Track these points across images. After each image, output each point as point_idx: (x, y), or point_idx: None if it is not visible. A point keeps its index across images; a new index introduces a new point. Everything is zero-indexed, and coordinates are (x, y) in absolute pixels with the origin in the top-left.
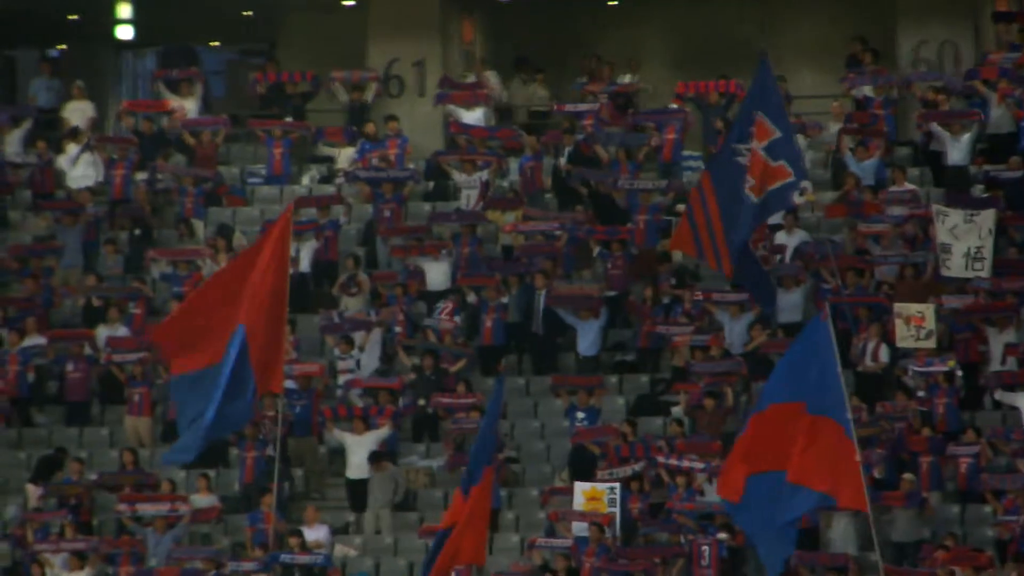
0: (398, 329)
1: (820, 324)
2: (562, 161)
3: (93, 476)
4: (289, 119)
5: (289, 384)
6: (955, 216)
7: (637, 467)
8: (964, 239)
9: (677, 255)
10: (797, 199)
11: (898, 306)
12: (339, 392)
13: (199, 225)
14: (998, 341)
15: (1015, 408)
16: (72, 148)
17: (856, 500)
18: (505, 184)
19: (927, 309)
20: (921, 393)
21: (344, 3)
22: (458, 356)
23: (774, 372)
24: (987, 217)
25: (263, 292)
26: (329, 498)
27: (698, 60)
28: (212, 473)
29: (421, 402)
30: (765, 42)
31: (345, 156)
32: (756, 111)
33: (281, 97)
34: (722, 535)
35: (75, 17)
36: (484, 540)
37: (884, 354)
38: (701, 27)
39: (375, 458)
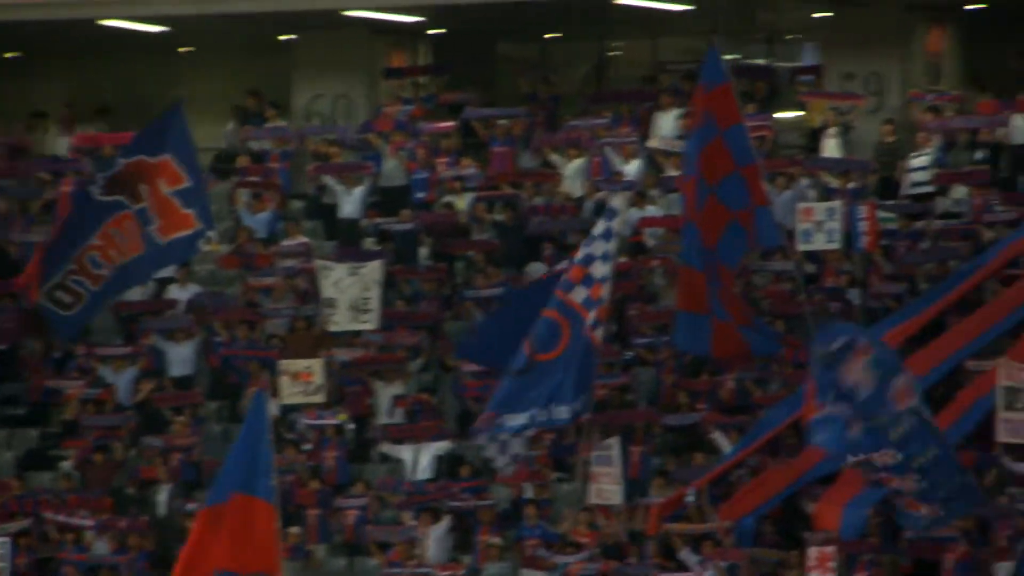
0: None
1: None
2: None
3: None
4: None
5: None
6: (339, 270)
7: (26, 522)
8: (349, 292)
9: None
10: (203, 247)
11: (283, 363)
12: None
13: None
14: (386, 393)
15: (401, 460)
16: None
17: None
18: None
19: (315, 364)
20: (309, 446)
21: None
22: None
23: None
24: (373, 270)
25: None
26: None
27: (101, 114)
28: None
29: None
30: (173, 95)
31: None
32: (165, 152)
33: None
34: None
35: None
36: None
37: (274, 407)
38: (105, 81)
39: None
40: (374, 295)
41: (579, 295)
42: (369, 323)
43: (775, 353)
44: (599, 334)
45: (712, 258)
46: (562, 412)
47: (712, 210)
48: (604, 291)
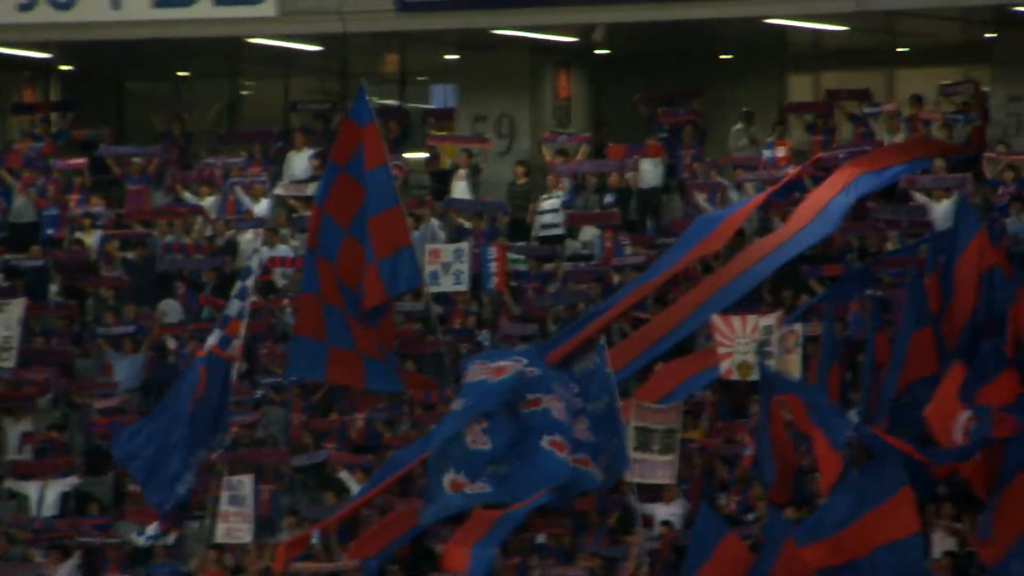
0: None
1: None
2: None
3: None
4: None
5: None
6: None
7: None
8: None
9: None
10: None
11: None
12: None
13: None
14: (16, 430)
15: (27, 497)
16: None
17: None
18: None
19: None
20: None
21: None
22: None
23: None
24: (16, 307)
25: None
26: None
27: None
28: None
29: None
30: None
31: None
32: None
33: None
34: None
35: None
36: None
37: None
38: None
39: None
40: (15, 333)
41: (215, 336)
42: (9, 362)
43: (391, 391)
44: (233, 372)
45: (352, 296)
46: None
47: (350, 250)
48: (241, 328)
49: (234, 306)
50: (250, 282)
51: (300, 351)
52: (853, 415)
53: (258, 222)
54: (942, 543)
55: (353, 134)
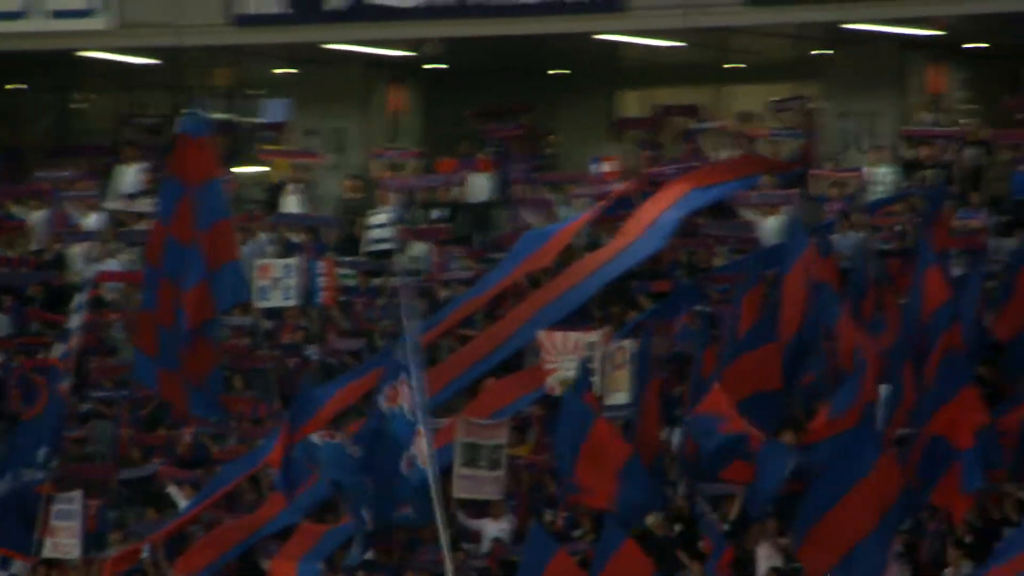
0: None
1: None
2: None
3: None
4: None
5: None
6: None
7: None
8: None
9: None
10: None
11: None
12: None
13: None
14: None
15: None
16: None
17: None
18: None
19: None
20: None
21: None
22: None
23: None
24: None
25: None
26: None
27: None
28: None
29: None
30: None
31: None
32: None
33: None
34: None
35: None
36: None
37: None
38: None
39: None
40: None
41: (58, 350)
42: None
43: (212, 417)
44: (66, 386)
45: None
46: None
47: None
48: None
49: (75, 319)
50: (85, 296)
51: (139, 363)
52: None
53: (87, 236)
54: (768, 559)
55: (189, 148)
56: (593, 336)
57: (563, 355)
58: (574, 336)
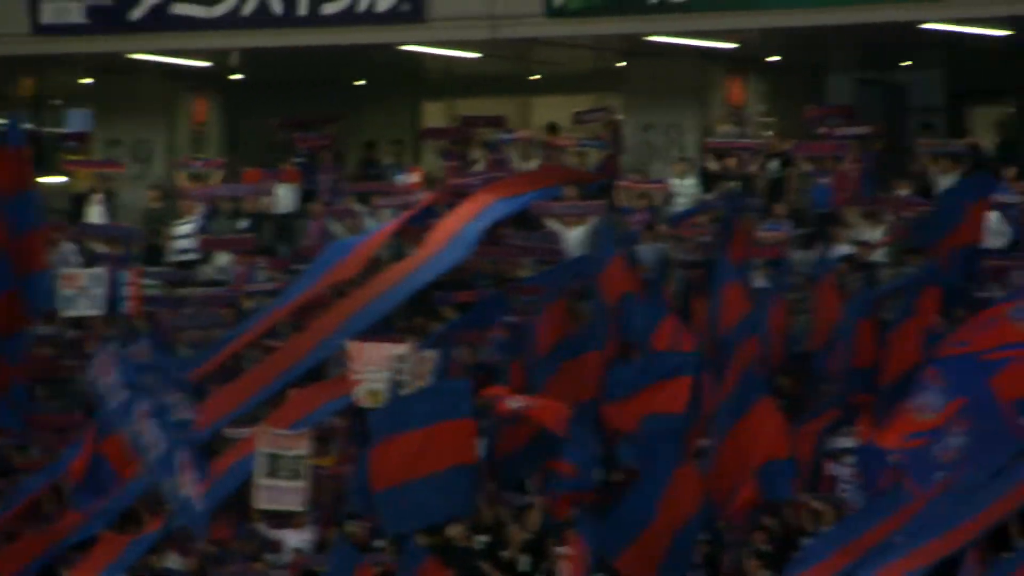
0: None
1: None
2: None
3: None
4: None
5: None
6: None
7: None
8: None
9: None
10: None
11: None
12: None
13: None
14: None
15: None
16: None
17: None
18: None
19: None
20: None
21: None
22: None
23: None
24: None
25: None
26: None
27: None
28: None
29: None
30: None
31: None
32: None
33: None
34: None
35: None
36: None
37: None
38: None
39: None
40: None
41: None
42: None
43: (15, 427)
44: None
45: None
46: None
47: None
48: None
49: None
50: None
51: None
52: None
53: None
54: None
55: (2, 158)
56: (401, 348)
57: (368, 366)
58: (382, 347)
